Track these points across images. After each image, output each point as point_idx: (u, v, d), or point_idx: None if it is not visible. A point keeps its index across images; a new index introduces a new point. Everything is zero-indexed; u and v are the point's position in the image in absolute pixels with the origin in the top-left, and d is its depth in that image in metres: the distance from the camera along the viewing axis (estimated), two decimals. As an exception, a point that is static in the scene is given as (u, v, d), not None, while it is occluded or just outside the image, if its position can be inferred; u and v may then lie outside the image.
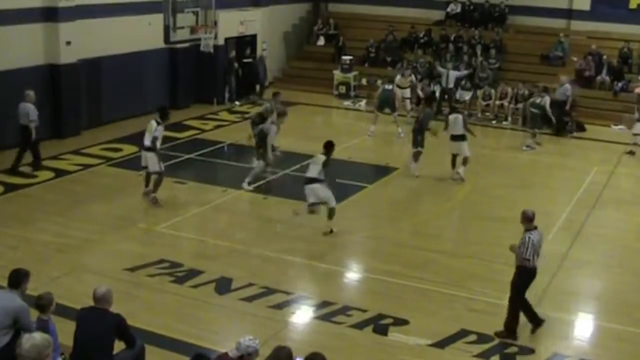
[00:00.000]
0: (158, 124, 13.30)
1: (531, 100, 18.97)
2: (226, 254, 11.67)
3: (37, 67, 17.17)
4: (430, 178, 15.37)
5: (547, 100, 18.46)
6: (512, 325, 9.19)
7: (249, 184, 14.55)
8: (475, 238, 12.57)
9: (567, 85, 20.24)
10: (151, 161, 13.35)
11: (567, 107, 20.16)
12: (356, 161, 17.13)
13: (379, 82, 20.02)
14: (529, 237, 8.88)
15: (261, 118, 14.69)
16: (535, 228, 9.02)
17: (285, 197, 14.34)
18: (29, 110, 14.86)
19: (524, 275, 9.06)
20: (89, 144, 17.27)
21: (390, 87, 19.30)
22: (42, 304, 7.04)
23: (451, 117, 15.46)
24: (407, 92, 21.39)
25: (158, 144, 13.31)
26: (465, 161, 15.40)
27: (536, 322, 9.34)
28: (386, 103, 19.13)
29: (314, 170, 12.43)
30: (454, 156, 15.57)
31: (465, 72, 21.89)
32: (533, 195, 14.78)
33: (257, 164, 14.62)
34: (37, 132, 15.05)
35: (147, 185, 13.62)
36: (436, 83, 22.67)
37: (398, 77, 20.87)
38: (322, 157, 12.38)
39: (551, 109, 19.91)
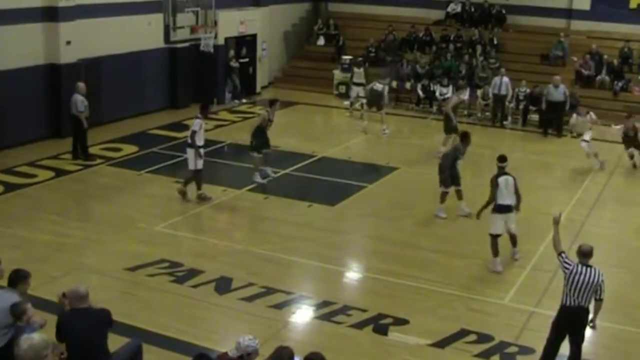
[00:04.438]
0: (197, 118, 13.53)
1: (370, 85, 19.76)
2: (226, 254, 11.67)
3: (37, 67, 17.18)
4: (430, 178, 15.34)
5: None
6: None
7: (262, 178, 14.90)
8: (475, 238, 12.55)
9: (563, 86, 20.25)
10: (188, 157, 13.62)
11: (567, 107, 20.17)
12: (356, 161, 17.14)
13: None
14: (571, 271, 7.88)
15: (260, 129, 14.81)
16: (591, 267, 7.97)
17: (285, 196, 14.35)
18: (77, 101, 15.63)
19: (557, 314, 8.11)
20: (89, 143, 17.23)
21: (380, 87, 19.31)
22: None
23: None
24: (361, 91, 21.72)
25: (197, 139, 13.40)
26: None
27: None
28: (372, 102, 19.33)
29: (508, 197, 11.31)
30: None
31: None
32: (533, 195, 14.77)
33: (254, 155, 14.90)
34: (79, 121, 15.75)
35: (198, 186, 13.79)
36: (436, 83, 22.68)
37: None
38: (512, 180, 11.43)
39: (551, 110, 20.05)
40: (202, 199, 13.76)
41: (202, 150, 13.56)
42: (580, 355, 8.14)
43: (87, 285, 7.29)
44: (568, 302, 7.96)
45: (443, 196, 13.61)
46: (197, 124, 13.46)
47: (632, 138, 17.06)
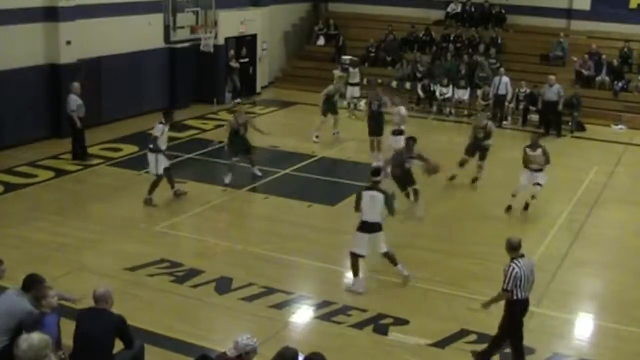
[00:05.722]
0: (160, 123, 13.41)
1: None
2: (226, 254, 11.68)
3: (37, 67, 17.18)
4: (430, 178, 15.31)
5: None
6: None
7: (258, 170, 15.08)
8: (475, 238, 12.56)
9: (558, 85, 20.25)
10: (150, 163, 13.49)
11: (560, 106, 20.21)
12: (356, 161, 17.13)
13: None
14: (512, 267, 8.06)
15: (234, 135, 14.92)
16: (522, 256, 8.22)
17: (285, 196, 14.34)
18: (70, 101, 15.69)
19: (510, 309, 8.28)
20: (89, 143, 17.21)
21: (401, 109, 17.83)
22: (36, 295, 7.03)
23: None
24: (357, 91, 22.02)
25: (160, 144, 13.31)
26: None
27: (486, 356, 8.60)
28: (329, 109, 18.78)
29: None
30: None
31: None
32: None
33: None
34: (82, 122, 15.85)
35: (172, 186, 13.78)
36: (436, 83, 22.69)
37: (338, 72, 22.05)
38: None
39: (548, 110, 20.05)
40: (178, 195, 13.78)
41: (162, 156, 13.44)
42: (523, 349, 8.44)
43: (87, 285, 7.30)
44: (521, 296, 8.16)
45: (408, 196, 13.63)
46: (158, 129, 13.32)
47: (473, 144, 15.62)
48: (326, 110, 18.55)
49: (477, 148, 15.47)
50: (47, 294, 7.05)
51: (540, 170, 13.66)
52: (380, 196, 10.29)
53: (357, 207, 10.38)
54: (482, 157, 15.47)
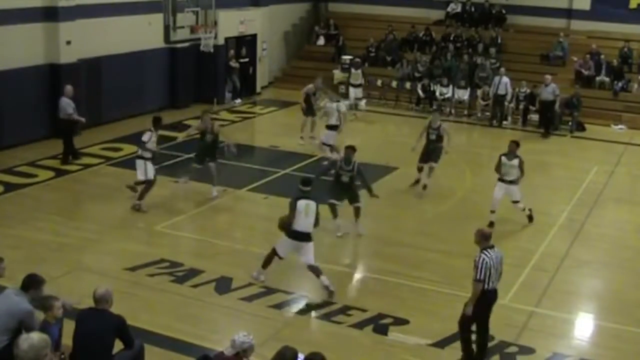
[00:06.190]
0: (150, 130, 13.20)
1: None
2: (226, 254, 11.67)
3: (37, 67, 17.17)
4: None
5: None
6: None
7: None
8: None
9: (554, 85, 20.26)
10: (137, 168, 13.23)
11: (556, 106, 20.22)
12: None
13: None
14: (483, 257, 8.15)
15: (200, 141, 14.16)
16: (493, 247, 8.32)
17: (285, 196, 14.31)
18: (64, 105, 15.53)
19: (478, 299, 8.26)
20: (89, 143, 17.26)
21: (333, 105, 17.17)
22: (45, 305, 7.03)
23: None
24: (359, 92, 21.83)
25: (148, 149, 13.08)
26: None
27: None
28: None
29: None
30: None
31: None
32: (533, 195, 14.78)
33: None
34: (69, 125, 15.71)
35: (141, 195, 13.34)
36: (436, 83, 22.70)
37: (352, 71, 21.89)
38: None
39: (542, 109, 20.09)
40: (136, 208, 13.18)
41: (150, 162, 13.21)
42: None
43: (87, 285, 7.29)
44: (489, 286, 8.22)
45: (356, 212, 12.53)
46: (146, 136, 13.13)
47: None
48: (306, 110, 18.15)
49: (430, 152, 14.51)
50: (53, 305, 7.00)
51: (514, 182, 12.88)
52: (314, 204, 10.21)
53: (291, 216, 10.12)
54: (435, 159, 14.50)
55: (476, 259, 8.20)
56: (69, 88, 15.73)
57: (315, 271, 10.28)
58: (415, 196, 14.45)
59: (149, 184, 13.28)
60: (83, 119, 16.01)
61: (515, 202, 13.06)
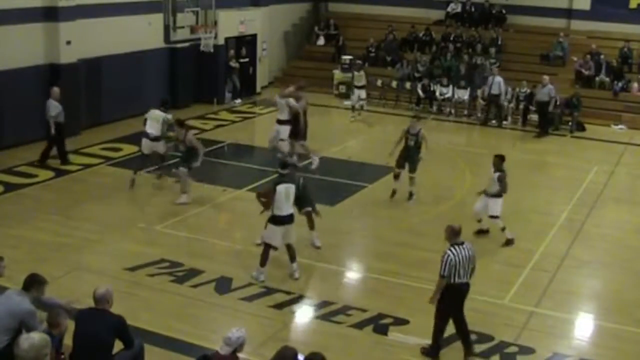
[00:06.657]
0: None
1: None
2: (226, 254, 11.67)
3: (37, 67, 17.17)
4: (429, 178, 15.34)
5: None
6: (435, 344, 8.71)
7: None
8: (475, 238, 12.54)
9: (551, 86, 20.27)
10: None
11: (551, 107, 20.24)
12: (356, 161, 17.14)
13: None
14: (448, 254, 8.27)
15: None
16: (462, 243, 8.42)
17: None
18: (50, 107, 15.34)
19: (446, 293, 8.42)
20: (89, 143, 17.27)
21: (282, 101, 16.38)
22: (51, 322, 6.94)
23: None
24: (363, 93, 21.61)
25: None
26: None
27: (434, 350, 8.71)
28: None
29: None
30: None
31: None
32: (533, 195, 14.81)
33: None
34: (57, 127, 15.46)
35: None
36: (436, 83, 22.70)
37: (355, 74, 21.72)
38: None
39: (537, 109, 20.10)
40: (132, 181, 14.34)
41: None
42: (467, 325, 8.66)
43: (87, 285, 7.29)
44: (455, 281, 8.37)
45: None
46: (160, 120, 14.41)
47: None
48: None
49: (407, 158, 14.14)
50: (60, 324, 6.92)
51: (495, 196, 12.04)
52: (292, 187, 10.48)
53: (270, 203, 10.33)
54: (412, 169, 14.17)
55: (442, 256, 8.37)
56: (55, 90, 15.39)
57: (292, 252, 10.65)
58: (409, 204, 14.26)
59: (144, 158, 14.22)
60: (53, 130, 15.38)
61: (493, 217, 12.19)
